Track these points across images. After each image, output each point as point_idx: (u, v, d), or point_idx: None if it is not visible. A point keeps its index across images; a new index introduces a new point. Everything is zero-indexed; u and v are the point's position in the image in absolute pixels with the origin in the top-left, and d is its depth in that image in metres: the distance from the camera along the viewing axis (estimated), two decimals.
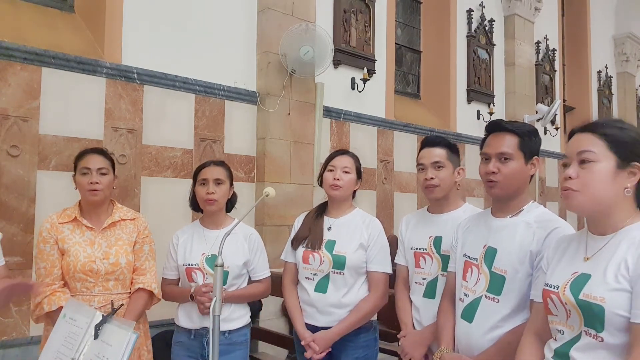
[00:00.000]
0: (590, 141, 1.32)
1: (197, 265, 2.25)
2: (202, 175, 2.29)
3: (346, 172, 2.21)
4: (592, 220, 1.37)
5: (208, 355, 2.08)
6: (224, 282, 2.22)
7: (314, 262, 2.18)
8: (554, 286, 1.35)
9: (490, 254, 1.71)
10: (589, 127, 1.35)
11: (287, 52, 4.20)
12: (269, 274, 2.40)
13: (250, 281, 2.37)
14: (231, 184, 2.35)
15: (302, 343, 2.14)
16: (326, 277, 2.16)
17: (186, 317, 2.26)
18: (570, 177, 1.31)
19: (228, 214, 2.40)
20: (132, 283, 2.17)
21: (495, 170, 1.69)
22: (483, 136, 1.81)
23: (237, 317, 2.28)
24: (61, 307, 1.96)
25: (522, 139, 1.70)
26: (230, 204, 2.40)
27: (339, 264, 2.14)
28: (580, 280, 1.29)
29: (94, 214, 2.17)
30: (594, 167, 1.30)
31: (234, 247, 2.27)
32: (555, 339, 1.35)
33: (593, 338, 1.24)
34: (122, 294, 2.13)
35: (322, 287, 2.16)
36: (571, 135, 1.40)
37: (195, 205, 2.37)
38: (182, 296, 2.28)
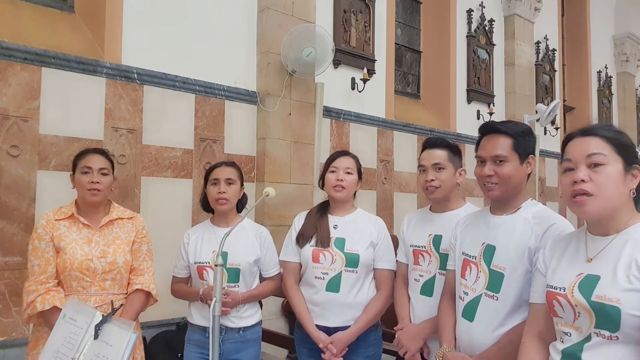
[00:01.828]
0: (598, 144, 1.31)
1: (208, 263, 2.25)
2: (214, 175, 2.31)
3: (349, 172, 2.21)
4: (595, 222, 1.36)
5: (222, 354, 2.11)
6: (237, 280, 2.24)
7: (325, 261, 2.15)
8: (560, 288, 1.33)
9: (488, 252, 1.71)
10: (592, 131, 1.35)
11: (290, 54, 4.20)
12: (279, 271, 2.41)
13: (261, 278, 2.39)
14: (242, 185, 2.37)
15: (321, 346, 2.10)
16: (338, 276, 2.13)
17: (200, 315, 2.26)
18: (582, 180, 1.29)
19: (239, 214, 2.42)
20: (128, 283, 2.14)
21: (491, 173, 1.69)
22: (477, 138, 1.81)
23: (250, 315, 2.29)
24: (55, 307, 1.92)
25: (516, 139, 1.70)
26: (241, 204, 2.42)
27: (352, 261, 2.13)
28: (589, 282, 1.28)
29: (91, 213, 2.13)
30: (606, 170, 1.29)
31: (245, 245, 2.29)
32: (562, 341, 1.34)
33: (606, 339, 1.23)
34: (118, 295, 2.10)
35: (334, 286, 2.13)
36: (568, 139, 1.39)
37: (206, 205, 2.39)
38: (192, 295, 2.29)
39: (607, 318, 1.22)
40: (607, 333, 1.22)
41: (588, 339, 1.26)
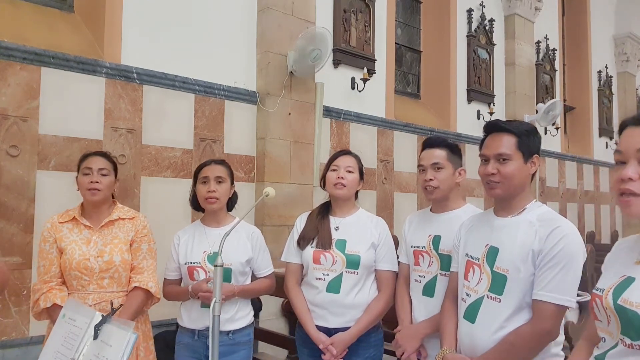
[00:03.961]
0: None
1: (199, 263, 2.24)
2: (203, 173, 2.29)
3: (349, 171, 2.20)
4: None
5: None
6: (229, 280, 2.22)
7: (325, 262, 2.15)
8: (600, 289, 1.23)
9: (492, 254, 1.70)
10: None
11: (294, 56, 4.20)
12: (272, 270, 2.40)
13: (254, 278, 2.37)
14: (232, 183, 2.35)
15: (321, 347, 2.09)
16: (339, 277, 2.13)
17: (189, 318, 2.25)
18: (630, 179, 1.12)
19: (229, 213, 2.41)
20: (129, 282, 2.18)
21: (494, 172, 1.68)
22: (482, 137, 1.81)
23: (240, 317, 2.27)
24: (56, 304, 2.02)
25: (520, 138, 1.68)
26: (231, 203, 2.40)
27: (353, 263, 2.12)
28: (624, 284, 1.17)
29: (94, 214, 2.20)
30: None
31: (236, 245, 2.27)
32: (598, 347, 1.25)
33: (628, 347, 1.13)
34: (117, 293, 2.13)
35: (334, 287, 2.12)
36: (623, 127, 1.21)
37: (196, 204, 2.37)
38: (183, 295, 2.28)
39: (629, 324, 1.12)
40: (628, 341, 1.13)
41: (615, 346, 1.17)
